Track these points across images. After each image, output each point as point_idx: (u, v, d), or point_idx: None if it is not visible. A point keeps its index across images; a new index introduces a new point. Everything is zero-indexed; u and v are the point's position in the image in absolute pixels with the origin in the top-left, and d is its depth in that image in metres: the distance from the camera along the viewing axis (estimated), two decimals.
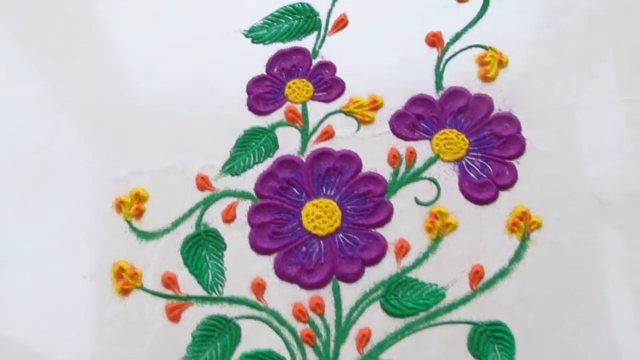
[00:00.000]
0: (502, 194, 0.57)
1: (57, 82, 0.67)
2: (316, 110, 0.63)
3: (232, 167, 0.61)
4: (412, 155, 0.59)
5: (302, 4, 0.68)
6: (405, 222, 0.57)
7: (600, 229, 0.55)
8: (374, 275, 0.55)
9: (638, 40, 0.62)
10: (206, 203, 0.59)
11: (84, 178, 0.62)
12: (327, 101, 0.63)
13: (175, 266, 0.57)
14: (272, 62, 0.65)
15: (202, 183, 0.60)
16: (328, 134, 0.61)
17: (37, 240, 0.60)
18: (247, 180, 0.60)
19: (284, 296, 0.55)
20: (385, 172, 0.59)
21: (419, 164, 0.59)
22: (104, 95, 0.66)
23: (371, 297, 0.55)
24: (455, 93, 0.62)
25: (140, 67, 0.67)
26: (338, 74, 0.64)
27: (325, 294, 0.55)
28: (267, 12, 0.68)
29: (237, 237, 0.58)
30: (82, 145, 0.64)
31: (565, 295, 0.53)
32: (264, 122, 0.63)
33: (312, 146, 0.61)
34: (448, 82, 0.63)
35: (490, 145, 0.59)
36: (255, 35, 0.67)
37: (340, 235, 0.57)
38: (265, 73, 0.65)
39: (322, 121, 0.62)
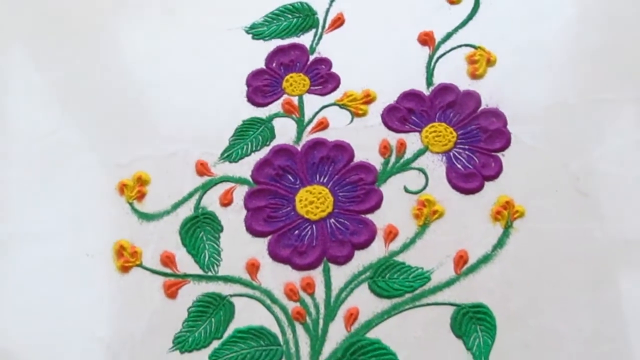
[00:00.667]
0: (488, 185, 0.59)
1: (66, 73, 0.70)
2: (312, 102, 0.65)
3: (231, 154, 0.62)
4: (402, 146, 0.61)
5: (301, 3, 0.70)
6: (394, 209, 0.59)
7: (580, 218, 0.56)
8: (363, 258, 0.57)
9: (620, 43, 0.64)
10: (205, 187, 0.61)
11: (90, 163, 0.64)
12: (322, 94, 0.65)
13: (174, 246, 0.59)
14: (271, 57, 0.67)
15: (202, 169, 0.62)
16: (323, 125, 0.63)
17: (43, 220, 0.62)
18: (245, 167, 0.62)
19: (277, 276, 0.57)
20: (376, 161, 0.61)
21: (408, 154, 0.61)
22: (111, 86, 0.68)
23: (360, 278, 0.56)
24: (445, 89, 0.64)
25: (145, 60, 0.69)
26: (333, 69, 0.66)
27: (316, 274, 0.57)
28: (268, 10, 0.71)
29: (233, 220, 0.60)
30: (89, 132, 0.66)
31: (545, 280, 0.54)
32: (262, 113, 0.65)
33: (307, 136, 0.63)
34: (438, 79, 0.64)
35: (477, 139, 0.61)
36: (256, 31, 0.69)
37: (332, 220, 0.58)
38: (264, 67, 0.67)
39: (317, 113, 0.64)
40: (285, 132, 0.63)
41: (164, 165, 0.63)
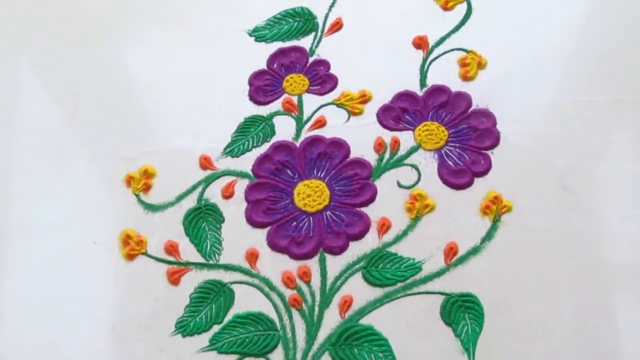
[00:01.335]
0: (477, 181, 0.61)
1: (77, 72, 0.71)
2: (311, 102, 0.66)
3: (233, 149, 0.64)
4: (396, 143, 0.63)
5: (301, 8, 0.72)
6: (387, 203, 0.60)
7: (565, 213, 0.58)
8: (357, 249, 0.58)
9: (602, 48, 0.66)
10: (207, 181, 0.63)
11: (98, 156, 0.66)
12: (321, 94, 0.67)
13: (177, 235, 0.61)
14: (272, 59, 0.69)
15: (205, 163, 0.64)
16: (320, 123, 0.65)
17: (54, 210, 0.63)
18: (246, 162, 0.63)
19: (275, 265, 0.58)
20: (371, 158, 0.63)
21: (402, 151, 0.63)
22: (120, 84, 0.70)
23: (354, 268, 0.58)
24: (438, 90, 0.65)
25: (153, 60, 0.71)
26: (332, 71, 0.68)
27: (312, 264, 0.58)
28: (270, 14, 0.73)
29: (234, 211, 0.61)
30: (98, 127, 0.68)
31: (531, 271, 0.56)
32: (263, 111, 0.66)
33: (306, 133, 0.65)
34: (431, 80, 0.66)
35: (467, 137, 0.62)
36: (258, 34, 0.71)
37: (328, 212, 0.60)
38: (265, 68, 0.69)
39: (315, 111, 0.66)
40: (285, 129, 0.65)
41: (169, 159, 0.64)
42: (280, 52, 0.69)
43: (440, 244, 0.58)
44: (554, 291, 0.55)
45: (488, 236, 0.58)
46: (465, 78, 0.66)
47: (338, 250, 0.58)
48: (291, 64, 0.68)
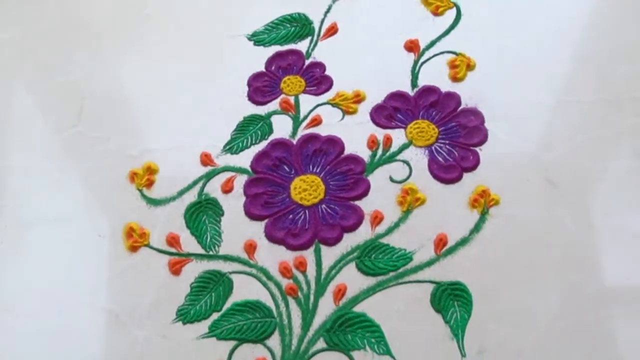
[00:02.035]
0: (466, 175, 0.62)
1: (84, 74, 0.74)
2: (307, 101, 0.68)
3: (232, 147, 0.66)
4: (388, 141, 0.64)
5: (298, 13, 0.74)
6: (380, 197, 0.62)
7: (550, 206, 0.59)
8: (351, 240, 0.60)
9: (586, 51, 0.68)
10: (208, 176, 0.65)
11: (103, 153, 0.67)
12: (316, 94, 0.69)
13: (179, 228, 0.62)
14: (270, 61, 0.71)
15: (205, 159, 0.65)
16: (316, 122, 0.67)
17: (61, 205, 0.65)
18: (244, 159, 0.65)
19: (272, 255, 0.60)
20: (365, 154, 0.64)
21: (394, 148, 0.64)
22: (124, 86, 0.72)
23: (348, 258, 0.59)
24: (428, 90, 0.67)
25: (156, 63, 0.73)
26: (327, 72, 0.70)
27: (308, 254, 0.60)
28: (268, 20, 0.75)
29: (233, 205, 0.63)
30: (103, 127, 0.69)
31: (518, 260, 0.57)
32: (261, 110, 0.68)
33: (302, 131, 0.66)
34: (422, 81, 0.68)
35: (457, 134, 0.64)
36: (257, 38, 0.73)
37: (323, 205, 0.61)
38: (264, 70, 0.71)
39: (311, 111, 0.68)
40: (282, 127, 0.67)
41: (172, 156, 0.66)
42: (278, 55, 0.71)
43: (430, 235, 0.59)
44: (540, 279, 0.56)
45: (476, 228, 0.59)
46: (455, 79, 0.67)
47: (333, 242, 0.60)
48: (288, 66, 0.70)
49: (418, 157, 0.63)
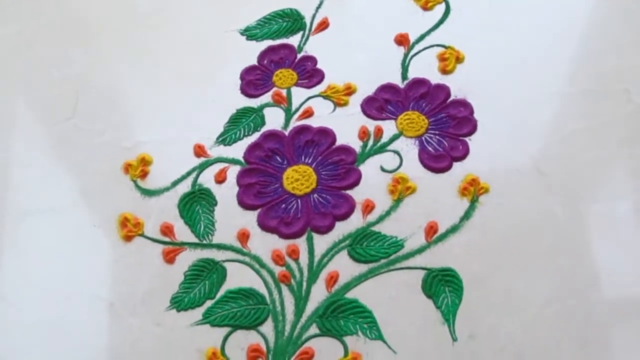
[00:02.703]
0: (456, 165, 0.62)
1: (80, 68, 0.74)
2: (299, 94, 0.69)
3: (225, 138, 0.66)
4: (379, 131, 0.65)
5: (290, 9, 0.75)
6: (371, 186, 0.62)
7: (539, 194, 0.60)
8: (343, 228, 0.60)
9: (572, 44, 0.68)
10: (201, 167, 0.65)
11: (98, 146, 0.67)
12: (308, 87, 0.69)
13: (173, 218, 0.62)
14: (262, 55, 0.72)
15: (199, 151, 0.65)
16: (308, 114, 0.67)
17: (55, 195, 0.65)
18: (237, 150, 0.65)
19: (265, 244, 0.60)
20: (356, 145, 0.64)
21: (385, 139, 0.64)
22: (119, 80, 0.72)
23: (340, 246, 0.59)
24: (418, 82, 0.67)
25: (151, 57, 0.74)
26: (319, 66, 0.70)
27: (300, 242, 0.60)
28: (261, 15, 0.75)
29: (226, 195, 0.63)
30: (98, 119, 0.69)
31: (507, 247, 0.57)
32: (254, 103, 0.69)
33: (294, 123, 0.66)
34: (412, 74, 0.68)
35: (446, 125, 0.64)
36: (250, 33, 0.74)
37: (315, 195, 0.62)
38: (256, 64, 0.71)
39: (303, 103, 0.68)
40: (274, 119, 0.67)
41: (165, 148, 0.66)
42: (270, 49, 0.72)
43: (421, 223, 0.59)
44: (529, 266, 0.56)
45: (466, 215, 0.59)
46: (444, 71, 0.68)
47: (325, 230, 0.60)
48: (280, 60, 0.71)
49: (408, 147, 0.64)
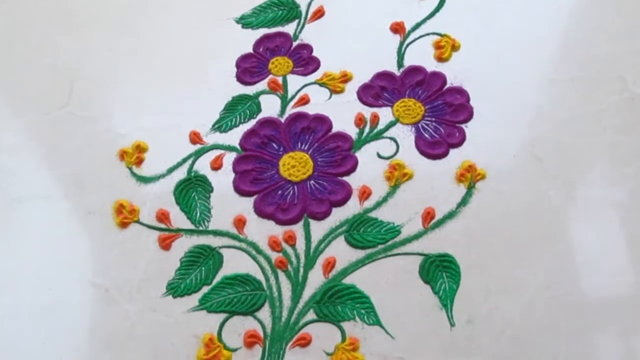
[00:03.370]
0: (452, 151, 0.62)
1: (75, 57, 0.73)
2: (295, 81, 0.68)
3: (221, 125, 0.65)
4: (375, 118, 0.64)
5: None
6: (368, 172, 0.61)
7: (535, 180, 0.59)
8: (339, 214, 0.59)
9: (566, 31, 0.68)
10: (197, 154, 0.64)
11: (93, 133, 0.67)
12: (304, 75, 0.68)
13: (169, 204, 0.61)
14: (258, 43, 0.71)
15: (195, 138, 0.65)
16: (304, 101, 0.66)
17: (50, 182, 0.64)
18: (233, 137, 0.65)
19: (262, 230, 0.59)
20: (352, 132, 0.64)
21: (381, 126, 0.64)
22: (114, 67, 0.72)
23: (337, 232, 0.58)
24: (414, 70, 0.67)
25: (146, 45, 0.73)
26: (314, 54, 0.70)
27: (297, 229, 0.59)
28: (256, 4, 0.75)
29: (222, 181, 0.62)
30: (93, 107, 0.69)
31: (504, 233, 0.57)
32: (249, 90, 0.68)
33: (290, 110, 0.66)
34: (408, 62, 0.68)
35: (443, 112, 0.64)
36: (245, 22, 0.73)
37: (312, 181, 0.61)
38: (252, 51, 0.70)
39: (299, 90, 0.67)
40: (270, 106, 0.66)
41: (161, 135, 0.65)
42: (266, 37, 0.71)
43: (418, 209, 0.59)
44: (526, 251, 0.56)
45: (463, 201, 0.59)
46: (440, 59, 0.67)
47: (321, 216, 0.59)
48: (276, 47, 0.70)
49: (405, 134, 0.63)
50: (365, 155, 0.62)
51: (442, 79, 0.66)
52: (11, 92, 0.71)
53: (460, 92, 0.65)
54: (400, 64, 0.67)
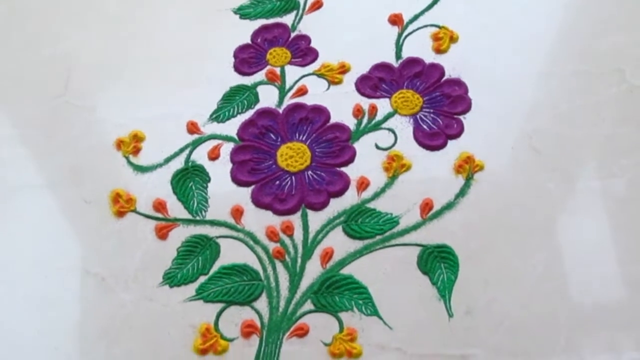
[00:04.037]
0: (451, 142, 0.61)
1: (72, 47, 0.72)
2: (293, 72, 0.67)
3: (219, 115, 0.65)
4: (373, 109, 0.63)
5: None
6: (366, 163, 0.61)
7: (533, 171, 0.59)
8: (337, 205, 0.59)
9: (564, 25, 0.68)
10: (194, 144, 0.63)
11: (90, 122, 0.66)
12: (302, 65, 0.67)
13: (166, 194, 0.60)
14: (256, 34, 0.70)
15: (192, 128, 0.64)
16: (302, 92, 0.65)
17: (46, 171, 0.63)
18: (231, 127, 0.64)
19: (259, 220, 0.58)
20: (350, 123, 0.63)
21: (379, 117, 0.63)
22: (112, 57, 0.71)
23: (335, 222, 0.58)
24: (412, 61, 0.66)
25: (144, 35, 0.72)
26: (312, 45, 0.69)
27: (295, 219, 0.58)
28: None
29: (220, 171, 0.61)
30: (90, 96, 0.68)
31: (502, 224, 0.56)
32: (247, 81, 0.67)
33: (288, 101, 0.65)
34: (406, 53, 0.67)
35: (441, 104, 0.63)
36: (243, 12, 0.72)
37: (310, 172, 0.60)
38: (250, 42, 0.69)
39: (297, 81, 0.66)
40: (268, 97, 0.65)
41: (158, 124, 0.64)
42: (264, 28, 0.70)
43: (416, 200, 0.58)
44: (524, 242, 0.55)
45: (462, 192, 0.58)
46: (438, 51, 0.67)
47: (319, 206, 0.58)
48: (274, 38, 0.69)
49: (403, 125, 0.63)
50: (364, 146, 0.62)
51: (440, 71, 0.65)
52: (8, 82, 0.70)
53: (458, 83, 0.64)
54: (398, 55, 0.67)
